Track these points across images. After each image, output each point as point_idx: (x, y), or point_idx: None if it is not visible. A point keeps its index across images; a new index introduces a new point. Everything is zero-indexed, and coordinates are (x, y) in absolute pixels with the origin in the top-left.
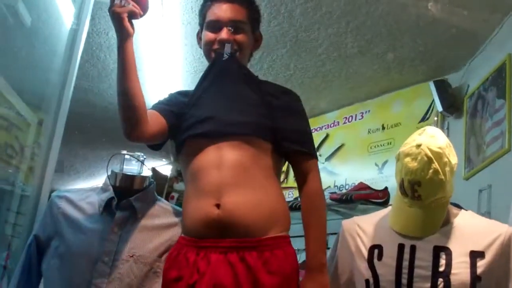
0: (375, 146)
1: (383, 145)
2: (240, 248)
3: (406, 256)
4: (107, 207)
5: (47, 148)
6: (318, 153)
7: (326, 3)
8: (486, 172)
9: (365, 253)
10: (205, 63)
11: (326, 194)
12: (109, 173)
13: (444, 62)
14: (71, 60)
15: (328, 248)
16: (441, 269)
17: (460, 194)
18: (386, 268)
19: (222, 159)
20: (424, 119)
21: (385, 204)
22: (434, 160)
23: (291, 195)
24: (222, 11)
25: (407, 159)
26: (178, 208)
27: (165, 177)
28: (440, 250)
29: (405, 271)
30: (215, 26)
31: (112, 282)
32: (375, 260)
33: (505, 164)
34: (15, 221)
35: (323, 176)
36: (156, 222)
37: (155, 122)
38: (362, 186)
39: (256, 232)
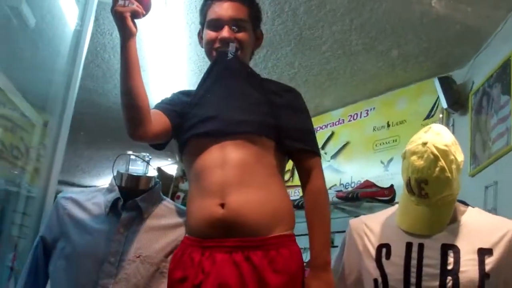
0: (380, 144)
1: (388, 142)
2: (245, 247)
3: (414, 254)
4: (113, 208)
5: (52, 149)
6: (323, 151)
7: (330, 0)
8: (492, 169)
9: (373, 252)
10: (209, 62)
11: (332, 192)
12: (115, 173)
13: (448, 58)
14: (76, 61)
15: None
16: (450, 267)
17: (466, 191)
18: (394, 267)
19: (226, 158)
20: (429, 116)
21: (391, 201)
22: (441, 158)
23: (297, 193)
24: (223, 9)
25: (414, 157)
26: (184, 208)
27: (170, 176)
28: (448, 248)
29: (413, 269)
30: (216, 24)
31: (119, 283)
32: (383, 259)
33: (510, 160)
34: (22, 222)
35: (329, 174)
36: (162, 222)
37: (158, 121)
38: (368, 184)
39: (260, 231)
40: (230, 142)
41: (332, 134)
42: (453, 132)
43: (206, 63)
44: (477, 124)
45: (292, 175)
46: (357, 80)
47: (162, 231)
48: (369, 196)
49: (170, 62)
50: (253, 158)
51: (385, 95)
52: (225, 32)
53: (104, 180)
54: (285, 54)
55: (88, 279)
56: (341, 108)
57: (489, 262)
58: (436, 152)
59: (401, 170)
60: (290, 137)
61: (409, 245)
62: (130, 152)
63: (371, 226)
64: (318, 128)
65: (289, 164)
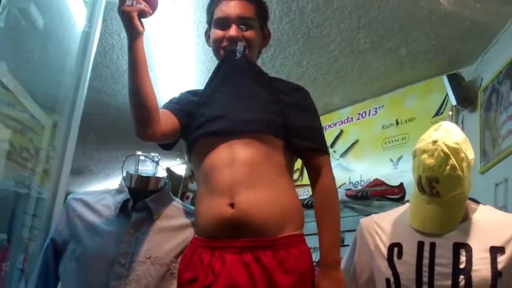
0: (389, 142)
1: (398, 140)
2: (255, 247)
3: (426, 253)
4: (123, 209)
5: (62, 151)
6: (332, 150)
7: None
8: (502, 166)
9: (385, 251)
10: (217, 62)
11: (342, 191)
12: (124, 174)
13: (457, 55)
14: (84, 61)
15: (344, 246)
16: (462, 266)
17: (476, 188)
18: (406, 266)
19: (234, 157)
20: (438, 113)
21: (401, 200)
22: (451, 156)
23: (306, 192)
24: (231, 8)
25: (424, 156)
26: (193, 208)
27: (179, 177)
28: (460, 246)
29: (425, 269)
30: (224, 23)
31: (129, 284)
32: (395, 259)
33: None
34: (32, 224)
35: (338, 172)
36: (172, 223)
37: (167, 121)
38: (378, 183)
39: (270, 231)
40: (238, 141)
41: (341, 132)
42: (462, 129)
43: (214, 63)
44: (486, 121)
45: (301, 174)
46: (366, 78)
47: (172, 232)
48: (379, 194)
49: (178, 61)
50: (262, 157)
51: (393, 93)
52: (233, 31)
53: (114, 181)
54: (293, 53)
55: (99, 281)
56: (350, 106)
57: (501, 260)
58: (446, 150)
59: (411, 168)
60: (298, 135)
61: (420, 244)
62: (139, 153)
63: (382, 225)
64: (327, 127)
65: (298, 163)
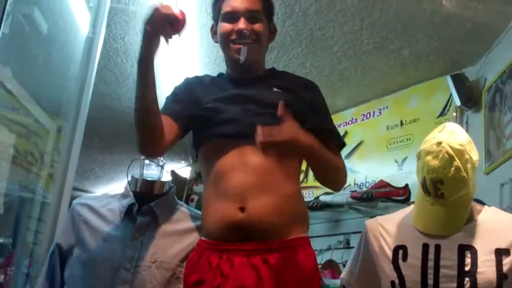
0: (394, 143)
1: (402, 141)
2: (263, 250)
3: (431, 256)
4: (128, 213)
5: (66, 155)
6: None
7: (340, 1)
8: (507, 166)
9: (390, 254)
10: (221, 65)
11: (347, 193)
12: (129, 178)
13: (460, 56)
14: (88, 66)
15: (349, 247)
16: (467, 268)
17: (481, 189)
18: (411, 268)
19: (246, 162)
20: (442, 114)
21: (406, 201)
22: (456, 158)
23: (311, 194)
24: (238, 1)
25: (428, 157)
26: (198, 212)
27: (184, 179)
28: (465, 249)
29: (430, 271)
30: (232, 17)
31: None
32: (400, 261)
33: None
34: (37, 229)
35: None
36: (178, 227)
37: (169, 132)
38: (382, 184)
39: (278, 234)
40: (250, 146)
41: (345, 133)
42: (467, 130)
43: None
44: (491, 121)
45: (306, 176)
46: (369, 79)
47: (177, 236)
48: (384, 196)
49: (182, 64)
50: (273, 163)
51: (397, 94)
52: (242, 24)
53: (119, 185)
54: (296, 55)
55: (104, 285)
56: (354, 108)
57: (507, 262)
58: (451, 151)
59: (416, 170)
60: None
61: (425, 246)
62: (144, 157)
63: (387, 227)
64: None
65: (303, 165)
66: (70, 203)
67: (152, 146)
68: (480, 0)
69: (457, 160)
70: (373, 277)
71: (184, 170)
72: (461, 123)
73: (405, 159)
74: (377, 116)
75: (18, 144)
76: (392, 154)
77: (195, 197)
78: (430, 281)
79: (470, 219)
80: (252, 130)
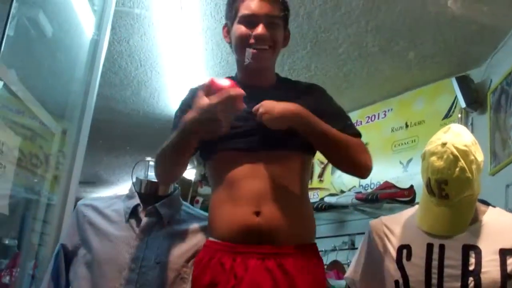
0: (399, 145)
1: (407, 143)
2: (278, 254)
3: (435, 255)
4: (133, 214)
5: (71, 157)
6: None
7: (345, 3)
8: None
9: (394, 253)
10: (226, 68)
11: (352, 194)
12: (134, 180)
13: (465, 57)
14: (93, 69)
15: (354, 248)
16: (471, 268)
17: (486, 190)
18: (415, 268)
19: (259, 169)
20: (447, 115)
21: (411, 202)
22: (461, 158)
23: (315, 196)
24: (258, 6)
25: (433, 158)
26: (204, 213)
27: (189, 181)
28: (470, 248)
29: (434, 271)
30: (251, 21)
31: None
32: (404, 261)
33: None
34: (42, 230)
35: (348, 176)
36: (182, 227)
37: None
38: (388, 185)
39: (291, 240)
40: (266, 157)
41: None
42: (472, 131)
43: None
44: (496, 123)
45: (310, 178)
46: (374, 81)
47: (182, 236)
48: (389, 197)
49: (187, 67)
50: (288, 172)
51: (402, 96)
52: (261, 29)
53: (123, 186)
54: (301, 57)
55: (109, 286)
56: (359, 110)
57: (511, 262)
58: (456, 152)
59: (420, 170)
60: None
61: (430, 246)
62: (148, 158)
63: (391, 227)
64: None
65: None
66: (75, 205)
67: (172, 180)
68: (485, 2)
69: (462, 161)
70: (377, 277)
71: (189, 172)
72: (466, 125)
73: (410, 160)
74: (382, 118)
75: (23, 147)
76: (397, 156)
77: (200, 199)
78: (434, 281)
79: (475, 220)
80: (264, 144)
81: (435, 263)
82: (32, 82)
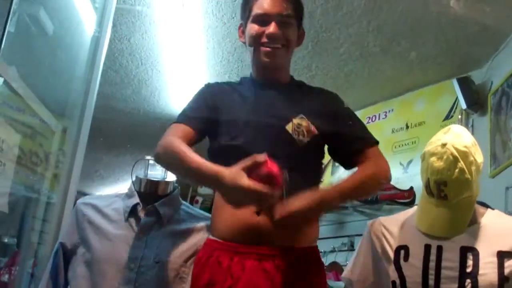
0: (399, 146)
1: (408, 144)
2: (276, 255)
3: (433, 257)
4: (133, 213)
5: (71, 155)
6: None
7: (347, 3)
8: None
9: (391, 254)
10: (227, 67)
11: None
12: (134, 178)
13: (467, 59)
14: (94, 67)
15: (353, 249)
16: (469, 269)
17: (486, 192)
18: (412, 269)
19: None
20: (448, 117)
21: (411, 204)
22: (460, 159)
23: None
24: (271, 5)
25: (433, 159)
26: (203, 212)
27: None
28: (467, 250)
29: (432, 272)
30: (263, 19)
31: None
32: (402, 261)
33: None
34: (41, 229)
35: None
36: (182, 227)
37: (189, 144)
38: (388, 187)
39: (291, 241)
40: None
41: None
42: (472, 133)
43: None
44: (496, 125)
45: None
46: (375, 81)
47: (181, 236)
48: (389, 198)
49: (188, 66)
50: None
51: (403, 97)
52: (273, 28)
53: (123, 185)
54: (302, 57)
55: (108, 285)
56: (359, 110)
57: (509, 265)
58: (455, 153)
59: (420, 171)
60: (349, 153)
61: (427, 247)
62: (148, 157)
63: (389, 228)
64: None
65: None
66: (75, 204)
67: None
68: (487, 3)
69: (462, 162)
70: (374, 277)
71: None
72: (466, 126)
73: (410, 161)
74: (383, 119)
75: (23, 144)
76: (397, 157)
77: (200, 199)
78: (431, 282)
79: (473, 222)
80: (272, 149)
81: (432, 264)
82: (32, 80)
